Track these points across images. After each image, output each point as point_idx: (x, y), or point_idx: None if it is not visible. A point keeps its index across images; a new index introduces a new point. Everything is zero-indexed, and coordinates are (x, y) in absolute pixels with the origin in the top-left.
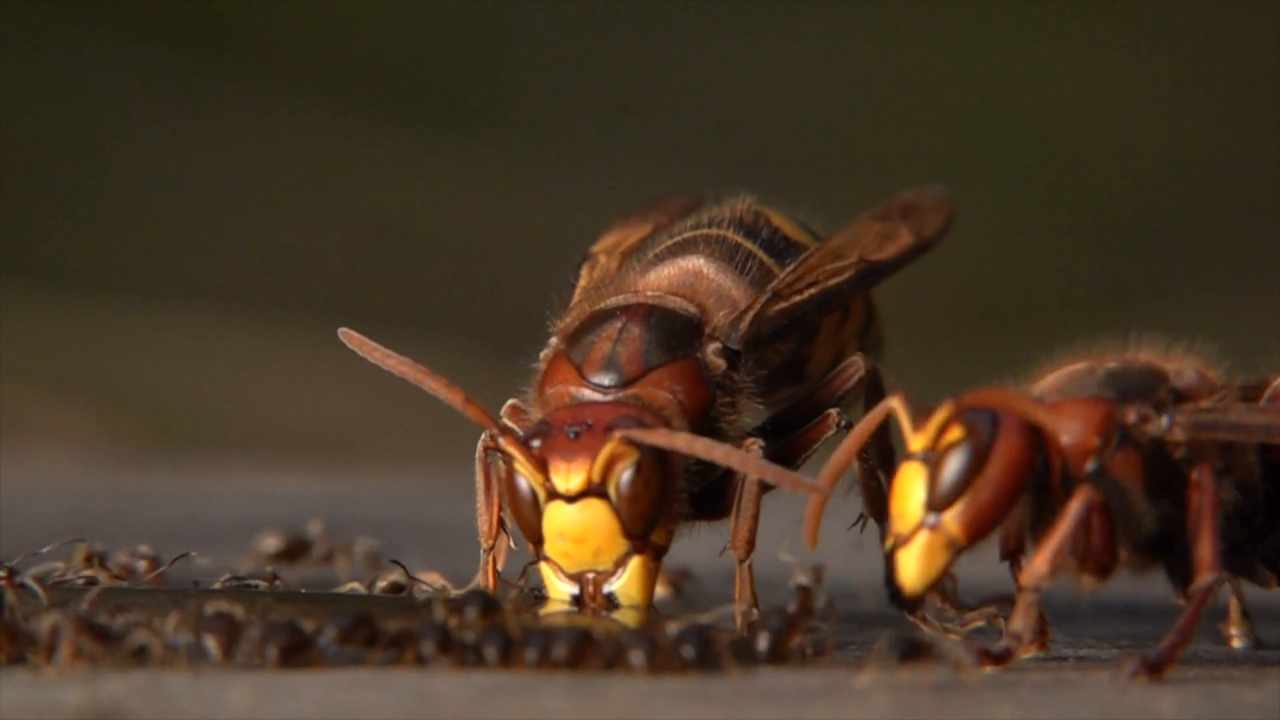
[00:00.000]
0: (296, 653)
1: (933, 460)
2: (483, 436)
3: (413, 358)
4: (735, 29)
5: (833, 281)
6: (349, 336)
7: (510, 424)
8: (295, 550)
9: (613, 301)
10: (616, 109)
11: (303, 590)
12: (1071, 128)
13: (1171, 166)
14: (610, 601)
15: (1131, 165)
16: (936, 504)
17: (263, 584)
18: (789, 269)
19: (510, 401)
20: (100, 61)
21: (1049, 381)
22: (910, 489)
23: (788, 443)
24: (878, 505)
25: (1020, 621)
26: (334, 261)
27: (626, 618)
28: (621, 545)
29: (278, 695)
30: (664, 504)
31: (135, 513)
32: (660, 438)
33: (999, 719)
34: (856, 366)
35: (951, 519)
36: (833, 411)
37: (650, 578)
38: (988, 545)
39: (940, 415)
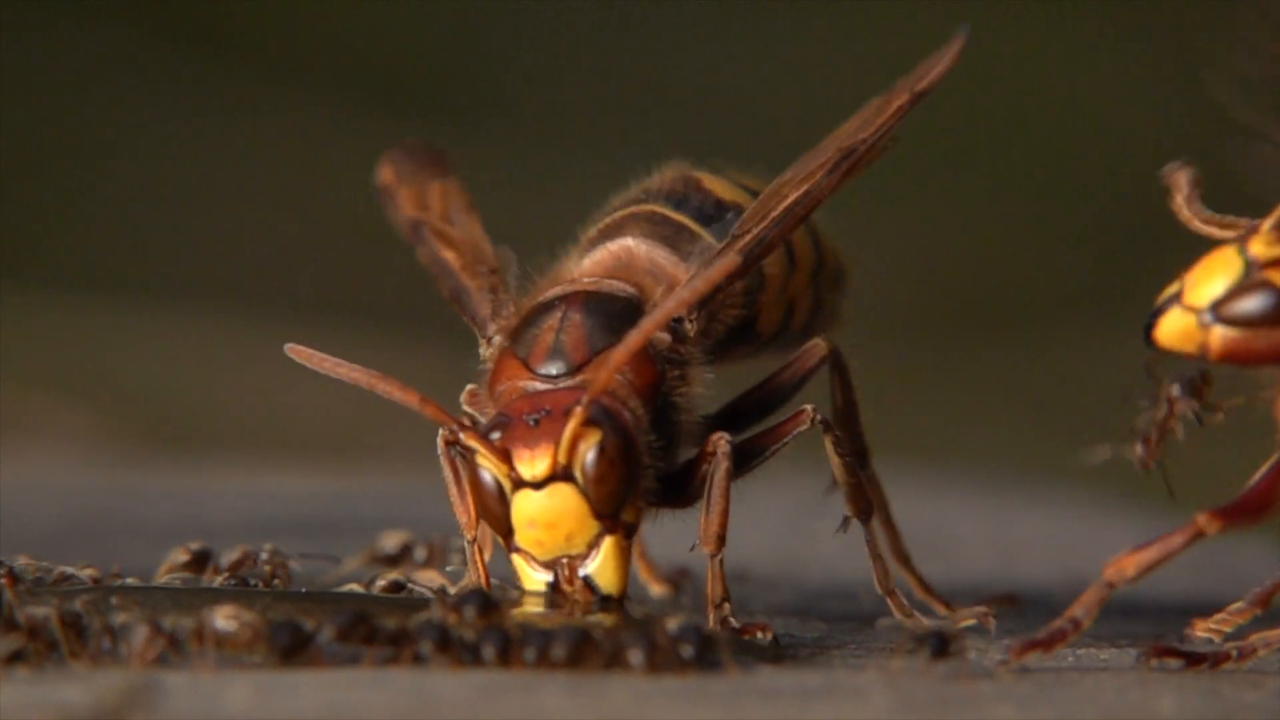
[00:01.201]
0: (296, 652)
1: (1253, 277)
2: (441, 431)
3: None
4: (735, 28)
5: (782, 205)
6: (296, 351)
7: (472, 412)
8: (399, 555)
9: (550, 293)
10: (615, 108)
11: (302, 589)
12: (1066, 125)
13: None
14: (587, 585)
15: (1127, 162)
16: (1221, 315)
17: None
18: (735, 224)
19: (470, 386)
20: (100, 62)
21: None
22: (1216, 276)
23: (758, 436)
24: (859, 503)
25: (1082, 609)
26: (334, 261)
27: (613, 609)
28: (593, 527)
29: (278, 694)
30: (631, 481)
31: (135, 512)
32: (614, 361)
33: (999, 719)
34: (819, 348)
35: (1220, 333)
36: (808, 408)
37: (625, 557)
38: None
39: None
